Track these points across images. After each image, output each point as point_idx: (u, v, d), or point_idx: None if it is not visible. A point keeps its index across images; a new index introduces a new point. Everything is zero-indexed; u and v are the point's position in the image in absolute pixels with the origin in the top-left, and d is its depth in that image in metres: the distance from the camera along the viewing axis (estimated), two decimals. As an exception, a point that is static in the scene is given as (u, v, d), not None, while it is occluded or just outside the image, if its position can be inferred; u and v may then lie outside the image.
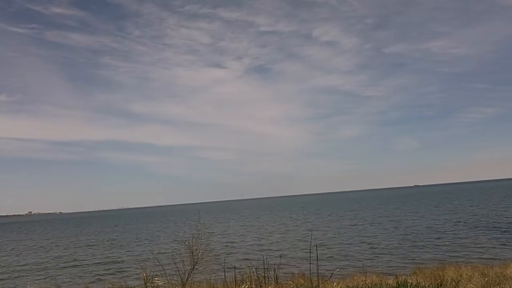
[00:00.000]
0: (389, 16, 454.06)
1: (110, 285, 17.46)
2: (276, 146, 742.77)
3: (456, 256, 22.66)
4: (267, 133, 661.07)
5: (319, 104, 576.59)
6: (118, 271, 26.08)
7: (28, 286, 21.49)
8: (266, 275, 12.67)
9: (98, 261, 31.66)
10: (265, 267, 12.74)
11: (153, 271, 15.13)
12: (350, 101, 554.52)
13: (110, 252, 37.48)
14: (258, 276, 12.72)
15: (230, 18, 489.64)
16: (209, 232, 14.07)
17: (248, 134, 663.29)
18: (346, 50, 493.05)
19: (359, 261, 23.14)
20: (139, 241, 46.00)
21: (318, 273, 11.76)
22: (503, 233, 30.44)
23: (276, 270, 12.82)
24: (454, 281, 11.79)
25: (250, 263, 15.14)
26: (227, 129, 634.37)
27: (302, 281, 12.56)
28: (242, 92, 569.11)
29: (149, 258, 26.72)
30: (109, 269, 27.57)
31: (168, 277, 13.36)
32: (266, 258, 13.97)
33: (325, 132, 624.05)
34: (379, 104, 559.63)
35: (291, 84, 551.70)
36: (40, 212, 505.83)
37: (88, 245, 46.17)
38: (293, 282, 12.68)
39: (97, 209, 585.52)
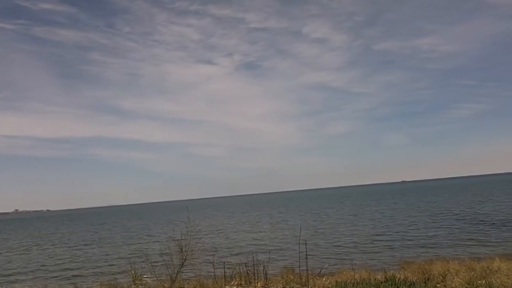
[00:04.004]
0: (378, 13, 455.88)
1: (99, 283, 17.41)
2: (267, 143, 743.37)
3: (443, 251, 22.91)
4: (257, 129, 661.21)
5: (309, 101, 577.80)
6: (106, 269, 25.95)
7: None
8: (255, 271, 12.70)
9: (85, 259, 31.46)
10: (255, 263, 12.76)
11: (142, 268, 15.10)
12: (340, 97, 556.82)
13: (98, 249, 37.28)
14: (247, 272, 12.75)
15: (220, 14, 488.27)
16: (199, 229, 14.03)
17: (238, 130, 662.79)
18: (336, 47, 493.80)
19: (348, 256, 23.26)
20: (127, 238, 45.77)
21: (307, 268, 11.81)
22: (488, 227, 30.83)
23: (266, 266, 12.85)
24: (441, 276, 11.92)
25: (240, 259, 15.16)
26: (217, 125, 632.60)
27: (292, 277, 12.62)
28: (232, 89, 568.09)
29: (138, 256, 26.64)
30: (96, 266, 27.41)
31: (157, 274, 13.33)
32: (256, 254, 14.00)
33: (315, 129, 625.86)
34: (369, 101, 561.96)
35: (281, 81, 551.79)
36: (27, 209, 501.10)
37: (75, 244, 45.86)
38: (283, 278, 12.74)
39: (86, 206, 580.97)
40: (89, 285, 20.44)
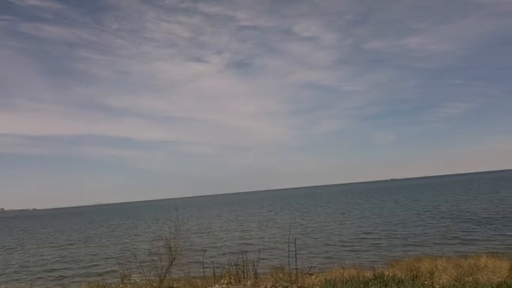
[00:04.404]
0: (367, 12, 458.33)
1: (86, 283, 17.27)
2: (257, 141, 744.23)
3: (431, 248, 23.09)
4: (248, 127, 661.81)
5: (300, 99, 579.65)
6: (94, 269, 25.77)
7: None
8: (245, 270, 12.69)
9: (71, 259, 31.19)
10: (244, 262, 12.75)
11: (130, 268, 15.02)
12: (330, 96, 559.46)
13: (85, 249, 37.01)
14: (237, 271, 12.73)
15: (210, 12, 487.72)
16: (188, 228, 13.99)
17: (229, 128, 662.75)
18: (326, 46, 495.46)
19: (337, 254, 23.36)
20: (115, 238, 45.52)
21: (296, 267, 11.83)
22: (474, 225, 31.13)
23: (255, 264, 12.84)
24: (429, 273, 11.99)
25: (229, 258, 15.13)
26: (208, 123, 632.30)
27: (281, 275, 12.62)
28: (222, 87, 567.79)
29: (126, 255, 26.50)
30: (83, 267, 27.20)
31: (146, 274, 13.27)
32: (245, 253, 13.99)
33: (305, 127, 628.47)
34: (359, 99, 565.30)
35: (271, 79, 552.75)
36: (13, 208, 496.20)
37: (61, 244, 45.49)
38: (272, 276, 12.74)
39: (74, 205, 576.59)
40: (76, 286, 20.27)
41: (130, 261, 16.98)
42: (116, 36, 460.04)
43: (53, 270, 27.29)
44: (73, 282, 21.77)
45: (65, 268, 27.23)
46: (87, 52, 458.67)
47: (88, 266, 27.10)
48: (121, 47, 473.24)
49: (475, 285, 9.36)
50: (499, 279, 10.31)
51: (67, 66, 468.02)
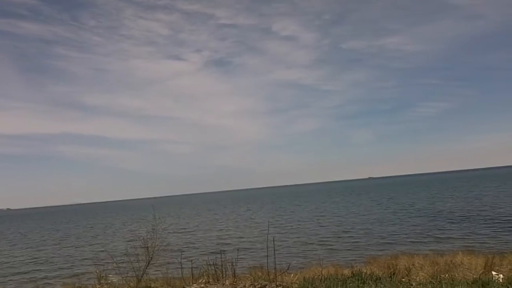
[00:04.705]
0: (345, 12, 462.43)
1: (61, 284, 16.98)
2: (236, 140, 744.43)
3: (408, 246, 23.35)
4: (227, 126, 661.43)
5: (279, 98, 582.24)
6: (70, 270, 25.35)
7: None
8: (223, 269, 12.61)
9: (47, 260, 30.63)
10: (223, 261, 12.68)
11: (107, 269, 14.80)
12: (309, 95, 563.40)
13: (61, 250, 36.44)
14: (215, 270, 12.65)
15: (189, 10, 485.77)
16: (165, 227, 13.86)
17: (207, 127, 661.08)
18: (305, 45, 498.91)
19: (315, 253, 23.43)
20: (91, 238, 44.92)
21: (275, 265, 11.81)
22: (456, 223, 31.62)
23: (234, 264, 12.77)
24: (407, 270, 12.10)
25: (208, 257, 15.04)
26: (186, 122, 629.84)
27: (260, 274, 12.58)
28: (201, 85, 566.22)
29: (102, 255, 26.13)
30: (59, 268, 26.73)
31: (123, 274, 13.09)
32: (224, 252, 13.92)
33: (284, 126, 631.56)
34: (337, 98, 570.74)
35: (251, 78, 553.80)
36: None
37: (36, 244, 44.69)
38: (251, 275, 12.69)
39: (50, 205, 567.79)
40: (52, 287, 19.93)
41: (106, 262, 16.73)
42: (93, 33, 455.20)
43: (26, 272, 26.61)
44: (48, 283, 21.36)
45: (39, 270, 26.66)
46: (63, 49, 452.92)
47: (64, 268, 26.59)
48: (98, 45, 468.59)
49: (451, 282, 9.46)
50: (474, 276, 10.46)
51: (43, 64, 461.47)
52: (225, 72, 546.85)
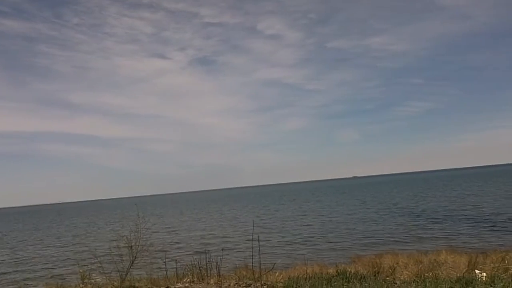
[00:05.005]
0: (331, 11, 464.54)
1: (44, 284, 16.75)
2: (220, 138, 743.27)
3: (392, 245, 23.51)
4: (211, 125, 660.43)
5: (264, 97, 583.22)
6: (53, 270, 25.04)
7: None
8: (208, 268, 12.54)
9: (29, 261, 30.19)
10: (208, 260, 12.60)
11: (91, 269, 14.64)
12: (294, 94, 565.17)
13: (44, 250, 36.00)
14: (200, 270, 12.57)
15: (174, 8, 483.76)
16: (150, 226, 13.75)
17: (192, 126, 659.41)
18: (290, 44, 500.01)
19: (300, 252, 23.48)
20: (75, 237, 44.49)
21: (260, 264, 11.76)
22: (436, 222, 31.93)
23: (219, 262, 12.71)
24: (391, 269, 12.15)
25: (192, 257, 14.95)
26: (171, 121, 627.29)
27: (245, 273, 12.53)
28: (186, 84, 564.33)
29: (86, 255, 25.85)
30: (43, 269, 26.37)
31: (106, 273, 12.96)
32: (209, 251, 13.86)
33: (269, 125, 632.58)
34: (322, 98, 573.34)
35: (235, 77, 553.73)
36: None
37: (19, 244, 44.10)
38: (236, 274, 12.64)
39: (33, 204, 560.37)
40: (36, 286, 19.65)
41: (90, 261, 16.55)
42: (76, 31, 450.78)
43: (7, 273, 26.14)
44: (30, 284, 21.02)
45: (21, 271, 26.18)
46: (46, 47, 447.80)
47: (46, 268, 26.22)
48: (82, 42, 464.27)
49: (435, 280, 9.51)
50: (458, 274, 10.52)
51: (26, 61, 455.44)
52: (210, 70, 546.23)
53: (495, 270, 10.94)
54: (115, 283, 12.32)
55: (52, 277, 21.71)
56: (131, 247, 12.47)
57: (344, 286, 9.82)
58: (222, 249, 20.70)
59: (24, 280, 22.96)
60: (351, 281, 10.24)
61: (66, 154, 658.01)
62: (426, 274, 10.81)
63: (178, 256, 23.70)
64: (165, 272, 13.28)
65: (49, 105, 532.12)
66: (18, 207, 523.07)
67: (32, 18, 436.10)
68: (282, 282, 10.96)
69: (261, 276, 11.46)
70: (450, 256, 14.73)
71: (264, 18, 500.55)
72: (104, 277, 12.96)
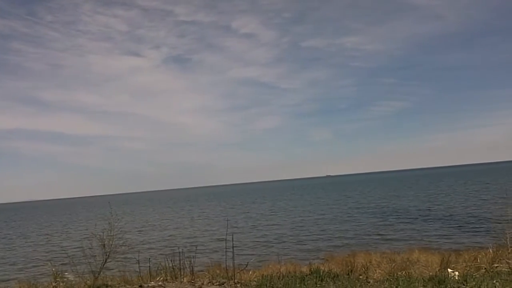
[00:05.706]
0: (305, 11, 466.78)
1: (16, 283, 16.39)
2: (194, 137, 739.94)
3: (365, 244, 23.77)
4: (185, 123, 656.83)
5: (238, 96, 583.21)
6: (24, 269, 24.50)
7: None
8: (181, 266, 12.46)
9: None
10: (181, 258, 12.52)
11: (63, 268, 14.40)
12: (268, 93, 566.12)
13: (14, 250, 35.25)
14: (173, 269, 12.48)
15: (148, 6, 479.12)
16: (122, 225, 13.57)
17: (165, 124, 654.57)
18: (265, 43, 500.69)
19: (273, 250, 23.52)
20: (46, 235, 43.69)
21: (233, 263, 11.73)
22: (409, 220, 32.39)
23: (192, 261, 12.64)
24: (364, 267, 12.27)
25: (165, 255, 14.83)
26: (143, 119, 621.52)
27: (218, 271, 12.50)
28: (159, 82, 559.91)
29: (58, 253, 25.43)
30: (13, 269, 25.76)
31: (79, 272, 12.75)
32: (182, 250, 13.75)
33: (243, 123, 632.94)
34: (296, 97, 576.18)
35: (210, 75, 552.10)
36: None
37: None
38: (209, 273, 12.60)
39: (4, 202, 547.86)
40: (6, 286, 19.18)
41: (62, 259, 16.26)
42: (49, 28, 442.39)
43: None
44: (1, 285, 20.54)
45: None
46: (19, 44, 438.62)
47: (18, 267, 25.66)
48: (55, 40, 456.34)
49: (408, 279, 9.63)
50: (430, 273, 10.67)
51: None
52: (184, 69, 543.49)
53: (468, 269, 11.13)
54: (88, 281, 12.14)
55: (24, 275, 21.25)
56: (104, 245, 12.29)
57: (318, 285, 9.86)
58: (195, 247, 20.59)
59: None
60: (325, 279, 10.30)
61: (37, 151, 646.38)
62: (399, 273, 10.95)
63: (151, 254, 23.47)
64: (138, 270, 13.15)
65: (21, 102, 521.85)
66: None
67: (5, 15, 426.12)
68: (255, 281, 10.96)
69: (234, 274, 11.44)
70: (422, 255, 14.96)
71: (238, 16, 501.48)
72: (77, 276, 12.75)
